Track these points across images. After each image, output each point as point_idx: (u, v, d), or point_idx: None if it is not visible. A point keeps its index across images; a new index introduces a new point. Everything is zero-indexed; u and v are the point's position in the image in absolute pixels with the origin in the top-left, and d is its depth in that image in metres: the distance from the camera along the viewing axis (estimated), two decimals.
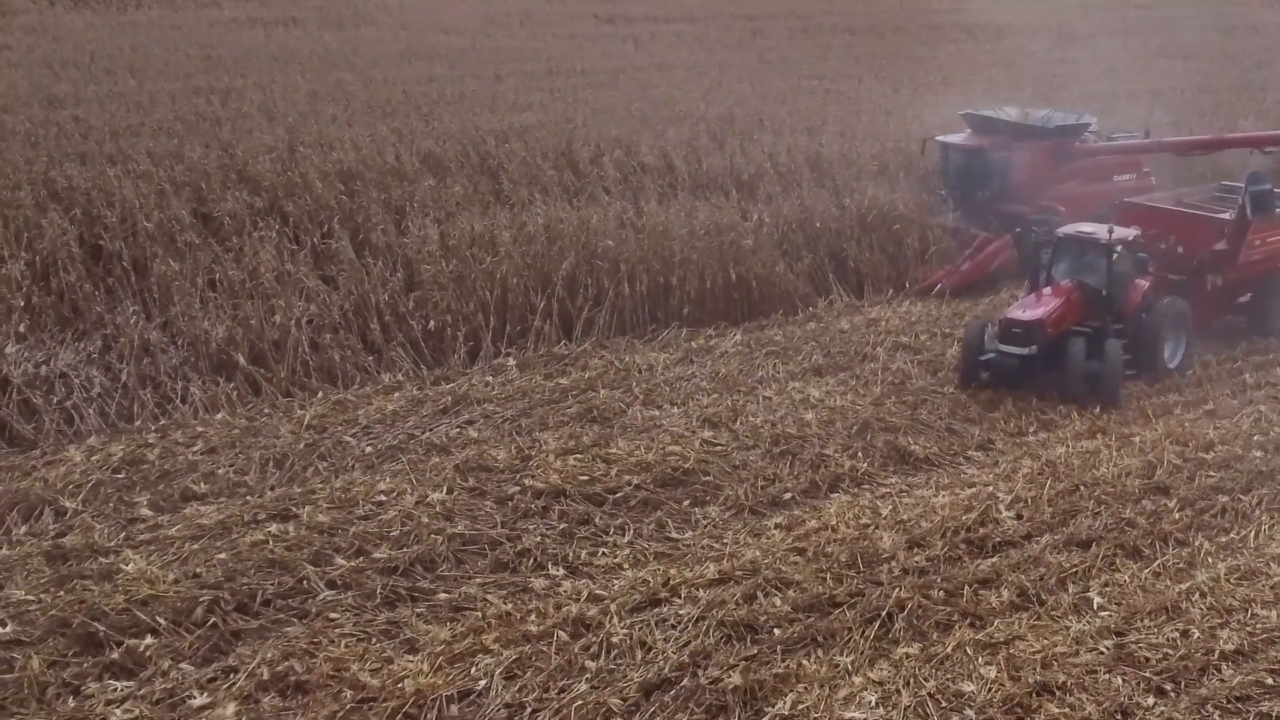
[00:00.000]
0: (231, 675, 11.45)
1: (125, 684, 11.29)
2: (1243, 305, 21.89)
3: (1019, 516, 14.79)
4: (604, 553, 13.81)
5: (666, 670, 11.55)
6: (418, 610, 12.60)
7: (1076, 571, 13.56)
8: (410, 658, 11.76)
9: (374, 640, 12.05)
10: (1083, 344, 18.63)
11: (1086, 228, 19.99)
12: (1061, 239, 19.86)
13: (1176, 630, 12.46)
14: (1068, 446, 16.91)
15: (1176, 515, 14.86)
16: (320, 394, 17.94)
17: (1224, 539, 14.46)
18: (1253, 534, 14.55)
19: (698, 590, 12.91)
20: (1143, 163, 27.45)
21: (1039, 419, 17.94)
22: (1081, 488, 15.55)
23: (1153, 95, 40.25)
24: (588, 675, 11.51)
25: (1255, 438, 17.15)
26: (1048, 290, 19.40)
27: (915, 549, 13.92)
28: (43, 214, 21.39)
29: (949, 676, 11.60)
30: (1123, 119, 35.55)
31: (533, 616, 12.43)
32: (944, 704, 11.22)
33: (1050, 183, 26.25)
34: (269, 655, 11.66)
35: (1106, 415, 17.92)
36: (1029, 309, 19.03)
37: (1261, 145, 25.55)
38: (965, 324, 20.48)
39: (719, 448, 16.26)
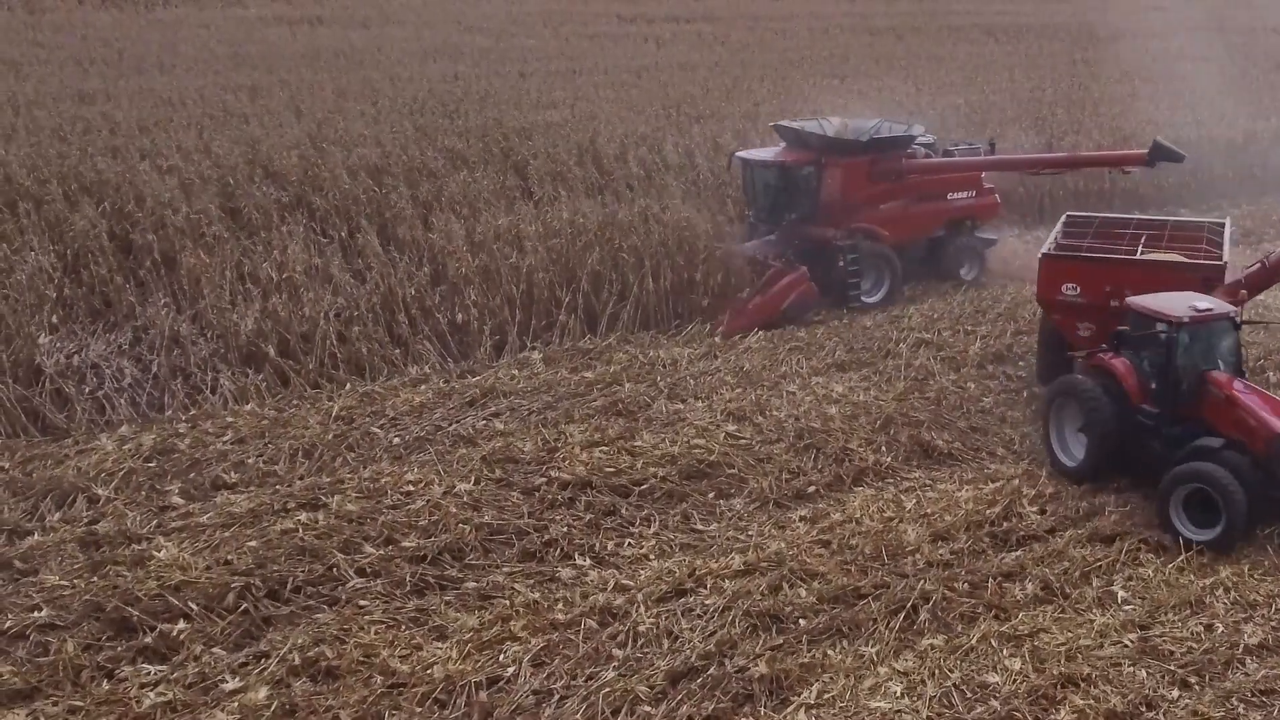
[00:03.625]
0: (263, 660, 11.60)
1: (158, 668, 11.44)
2: None
3: (1042, 511, 14.85)
4: (630, 543, 13.94)
5: (693, 659, 11.64)
6: (446, 598, 12.74)
7: (1100, 566, 13.61)
8: (439, 645, 11.89)
9: (403, 627, 12.19)
10: None
11: (1202, 302, 15.40)
12: (1188, 321, 15.01)
13: (1201, 624, 12.51)
14: None
15: None
16: (348, 386, 18.11)
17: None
18: (1276, 531, 14.52)
19: (723, 581, 13.01)
20: (982, 179, 25.06)
21: None
22: (1106, 484, 15.58)
23: (1173, 95, 40.29)
24: (615, 663, 11.62)
25: None
26: (1240, 386, 14.93)
27: (939, 542, 14.01)
28: (74, 208, 21.64)
29: (974, 668, 11.67)
30: (1142, 119, 35.68)
31: (560, 605, 12.55)
32: (969, 695, 11.28)
33: (868, 202, 23.70)
34: (300, 641, 11.80)
35: None
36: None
37: (1119, 165, 24.38)
38: (1171, 475, 14.41)
39: (743, 441, 16.35)
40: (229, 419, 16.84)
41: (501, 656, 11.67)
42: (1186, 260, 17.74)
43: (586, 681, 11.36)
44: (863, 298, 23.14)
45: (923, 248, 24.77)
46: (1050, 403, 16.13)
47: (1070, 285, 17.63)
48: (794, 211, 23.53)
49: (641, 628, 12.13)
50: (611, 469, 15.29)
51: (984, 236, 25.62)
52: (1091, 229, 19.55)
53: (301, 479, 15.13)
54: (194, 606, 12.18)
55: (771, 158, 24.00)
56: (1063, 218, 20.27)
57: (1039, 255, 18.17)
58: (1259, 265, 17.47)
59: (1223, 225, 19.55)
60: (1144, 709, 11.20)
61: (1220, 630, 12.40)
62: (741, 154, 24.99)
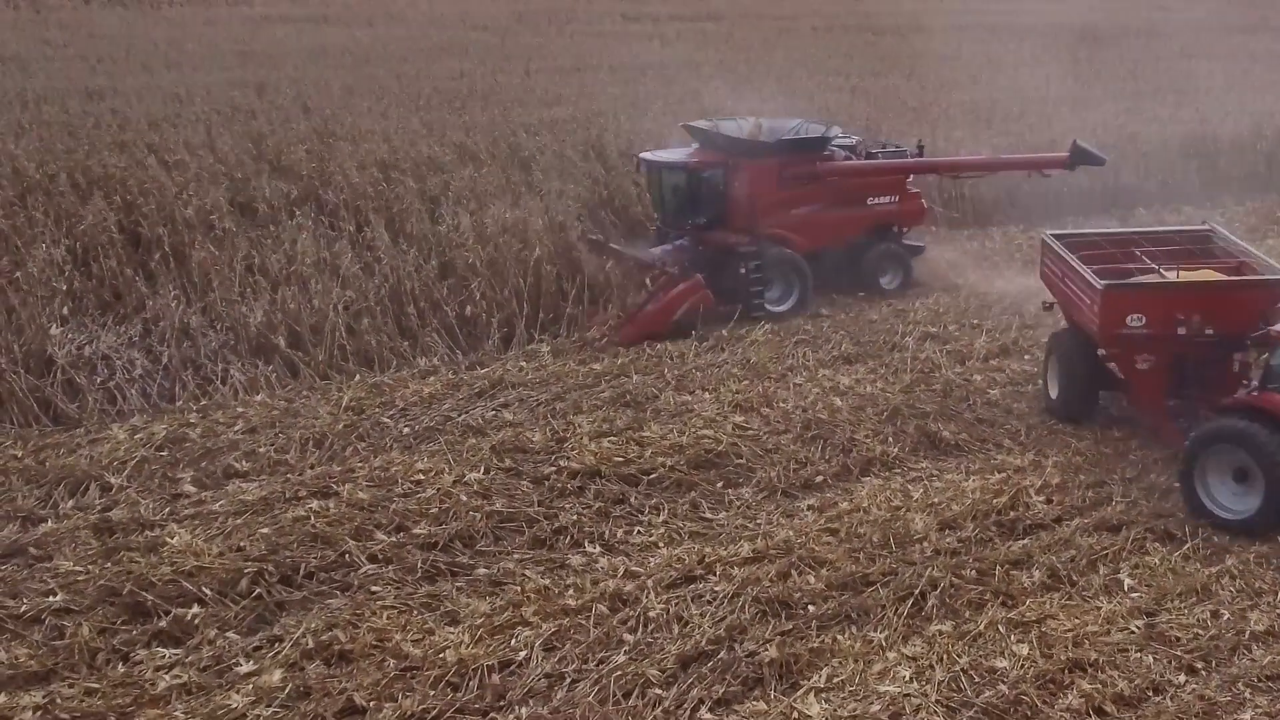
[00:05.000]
0: (277, 644, 11.68)
1: (173, 651, 11.52)
2: None
3: (1049, 501, 14.92)
4: (639, 531, 14.02)
5: (703, 644, 11.71)
6: (458, 584, 12.82)
7: (1107, 554, 13.68)
8: (451, 629, 11.96)
9: (415, 612, 12.26)
10: None
11: None
12: None
13: (1207, 611, 12.57)
14: (1097, 435, 17.02)
15: None
16: (357, 377, 18.25)
17: None
18: None
19: (732, 568, 13.08)
20: (907, 184, 24.03)
21: None
22: (1112, 476, 15.67)
23: (1177, 94, 40.39)
24: (626, 647, 11.68)
25: None
26: None
27: (946, 530, 14.07)
28: (83, 201, 21.78)
29: (982, 653, 11.72)
30: (1146, 117, 35.77)
31: (571, 591, 12.64)
32: (977, 679, 11.33)
33: (778, 207, 22.61)
34: (313, 625, 11.89)
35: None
36: None
37: (1040, 168, 23.85)
38: None
39: (751, 432, 16.44)
40: (239, 409, 16.97)
41: (513, 641, 11.73)
42: (1270, 278, 16.58)
43: (598, 665, 11.42)
44: (768, 306, 22.03)
45: (843, 255, 23.60)
46: (1198, 452, 14.74)
47: (1135, 317, 16.33)
48: (701, 216, 22.63)
49: (652, 613, 12.20)
50: (620, 458, 15.37)
51: (910, 244, 24.58)
52: (1107, 248, 18.15)
53: (312, 468, 15.24)
54: (208, 591, 12.26)
55: (677, 160, 23.02)
56: (1050, 238, 18.69)
57: (1101, 288, 16.43)
58: None
59: (1210, 230, 18.96)
60: (1151, 693, 11.25)
61: (1226, 617, 12.45)
62: (646, 155, 23.69)
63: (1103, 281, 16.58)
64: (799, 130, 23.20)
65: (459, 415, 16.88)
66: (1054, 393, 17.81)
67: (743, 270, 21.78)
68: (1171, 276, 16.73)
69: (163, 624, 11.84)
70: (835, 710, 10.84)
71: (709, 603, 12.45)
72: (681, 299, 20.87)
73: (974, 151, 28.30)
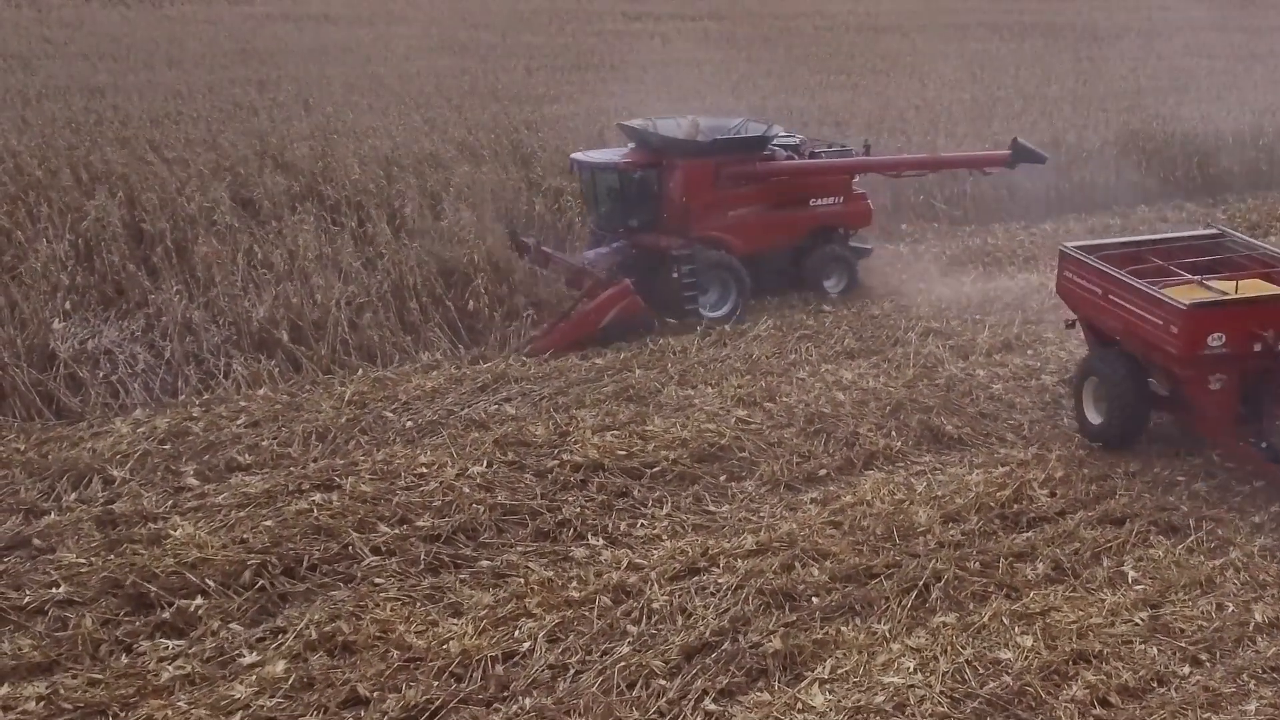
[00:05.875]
0: (280, 635, 11.66)
1: (176, 642, 11.51)
2: None
3: (1052, 494, 14.90)
4: (643, 524, 14.00)
5: (707, 635, 11.70)
6: (461, 576, 12.81)
7: (1111, 546, 13.65)
8: (455, 621, 11.95)
9: (419, 604, 12.25)
10: None
11: None
12: None
13: (1211, 603, 12.55)
14: None
15: (1211, 497, 14.92)
16: (360, 371, 18.25)
17: (1258, 519, 14.46)
18: None
19: (736, 560, 13.07)
20: (851, 184, 23.07)
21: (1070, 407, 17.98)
22: (1115, 470, 15.64)
23: (1179, 91, 40.42)
24: (629, 639, 11.67)
25: None
26: None
27: (950, 523, 14.04)
28: (86, 197, 21.79)
29: (986, 645, 11.70)
30: (1147, 115, 35.76)
31: (574, 583, 12.62)
32: (981, 670, 11.31)
33: (715, 208, 21.74)
34: (316, 617, 11.87)
35: None
36: None
37: (980, 166, 23.61)
38: None
39: (754, 426, 16.42)
40: (242, 403, 16.95)
41: (516, 632, 11.74)
42: None
43: (601, 656, 11.41)
44: (703, 312, 21.31)
45: (786, 257, 22.88)
46: None
47: (1216, 336, 15.36)
48: (634, 218, 21.82)
49: (655, 605, 12.18)
50: (623, 452, 15.34)
51: (857, 246, 23.78)
52: (1152, 260, 17.04)
53: (315, 461, 15.21)
54: (211, 583, 12.24)
55: (610, 160, 22.06)
56: (1074, 251, 17.47)
57: (1185, 309, 15.29)
58: None
59: (1220, 233, 18.40)
60: (1155, 684, 11.24)
61: (1230, 609, 12.43)
62: (578, 156, 22.79)
63: (1186, 301, 15.48)
64: (739, 129, 22.52)
65: (461, 409, 16.86)
66: (1096, 419, 16.66)
67: (675, 274, 21.10)
68: (1227, 289, 15.78)
69: (166, 615, 11.83)
70: (839, 701, 10.83)
71: (712, 594, 12.43)
72: (608, 305, 19.99)
73: (972, 148, 28.31)
